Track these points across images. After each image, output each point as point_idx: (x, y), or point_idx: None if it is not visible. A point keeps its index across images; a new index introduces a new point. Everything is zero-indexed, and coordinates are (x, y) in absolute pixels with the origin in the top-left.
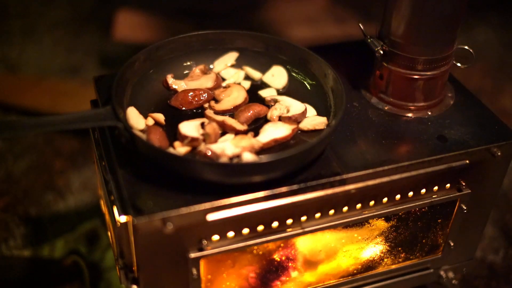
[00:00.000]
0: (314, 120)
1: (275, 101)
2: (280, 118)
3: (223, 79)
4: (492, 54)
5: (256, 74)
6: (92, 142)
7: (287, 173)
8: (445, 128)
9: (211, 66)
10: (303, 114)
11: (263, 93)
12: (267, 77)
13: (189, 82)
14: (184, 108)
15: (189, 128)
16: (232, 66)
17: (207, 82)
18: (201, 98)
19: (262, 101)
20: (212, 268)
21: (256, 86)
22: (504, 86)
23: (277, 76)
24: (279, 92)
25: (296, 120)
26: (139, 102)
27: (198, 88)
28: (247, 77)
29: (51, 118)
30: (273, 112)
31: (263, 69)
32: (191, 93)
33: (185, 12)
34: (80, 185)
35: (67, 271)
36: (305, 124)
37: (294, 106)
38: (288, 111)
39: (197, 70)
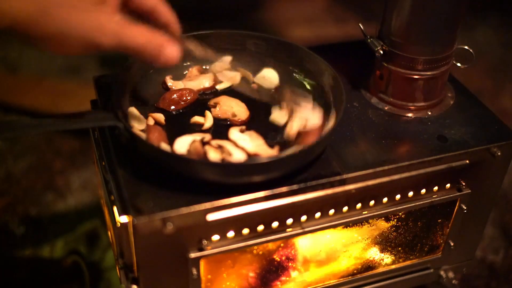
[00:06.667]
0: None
1: (292, 110)
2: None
3: (220, 82)
4: (492, 54)
5: (251, 76)
6: (92, 142)
7: (287, 173)
8: (445, 128)
9: (206, 67)
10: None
11: (276, 117)
12: (259, 79)
13: (187, 83)
14: (173, 108)
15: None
16: (228, 69)
17: (205, 81)
18: (188, 98)
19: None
20: (212, 268)
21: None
22: (504, 86)
23: (268, 78)
24: (273, 92)
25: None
26: (139, 102)
27: (183, 88)
28: (243, 78)
29: (50, 118)
30: (293, 125)
31: (260, 70)
32: (176, 94)
33: (185, 12)
34: (80, 185)
35: (67, 271)
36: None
37: (312, 118)
38: (305, 126)
39: (194, 70)
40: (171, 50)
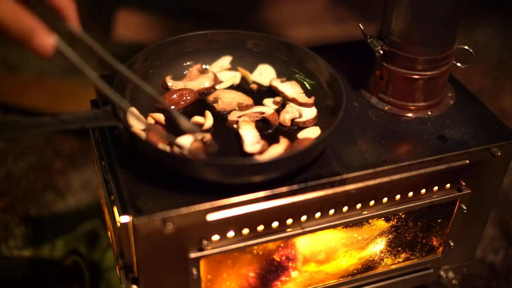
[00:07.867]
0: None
1: (284, 104)
2: (293, 122)
3: (220, 82)
4: (492, 54)
5: (250, 76)
6: (92, 142)
7: (287, 173)
8: (445, 128)
9: (206, 67)
10: (315, 119)
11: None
12: (255, 76)
13: (187, 82)
14: (173, 108)
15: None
16: (228, 69)
17: (205, 81)
18: (188, 98)
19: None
20: (212, 268)
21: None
22: (504, 86)
23: (265, 74)
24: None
25: (308, 125)
26: (139, 102)
27: (183, 88)
28: (243, 79)
29: (51, 118)
30: (286, 116)
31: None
32: (176, 94)
33: (185, 12)
34: (80, 185)
35: (67, 271)
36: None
37: (305, 111)
38: (300, 115)
39: (194, 70)
40: (41, 40)
